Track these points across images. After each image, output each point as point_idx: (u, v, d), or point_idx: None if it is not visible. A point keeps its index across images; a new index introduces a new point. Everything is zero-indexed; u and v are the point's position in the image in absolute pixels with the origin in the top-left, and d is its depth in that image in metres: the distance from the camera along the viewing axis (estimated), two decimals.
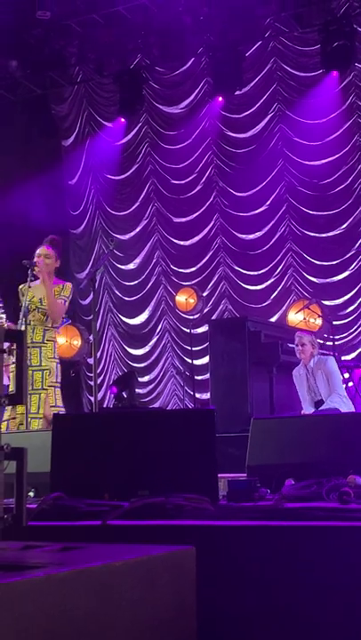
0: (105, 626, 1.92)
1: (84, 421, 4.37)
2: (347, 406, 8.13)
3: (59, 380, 6.91)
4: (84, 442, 3.79)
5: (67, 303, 7.06)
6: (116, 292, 14.03)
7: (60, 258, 7.19)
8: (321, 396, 8.28)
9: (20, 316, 6.87)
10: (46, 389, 6.80)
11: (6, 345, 2.70)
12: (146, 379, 13.52)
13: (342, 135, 12.14)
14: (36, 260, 6.98)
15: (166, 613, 2.12)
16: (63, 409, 6.83)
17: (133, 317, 13.95)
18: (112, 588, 1.96)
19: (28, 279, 6.87)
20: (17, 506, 2.69)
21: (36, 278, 7.04)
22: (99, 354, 13.36)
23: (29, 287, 6.91)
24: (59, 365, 6.93)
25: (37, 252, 7.05)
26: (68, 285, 7.11)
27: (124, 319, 14.01)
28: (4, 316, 6.86)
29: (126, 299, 14.00)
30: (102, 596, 1.93)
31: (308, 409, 8.34)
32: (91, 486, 3.56)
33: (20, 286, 7.02)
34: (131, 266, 13.94)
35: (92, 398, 6.93)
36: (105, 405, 12.82)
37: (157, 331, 13.74)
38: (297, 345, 8.43)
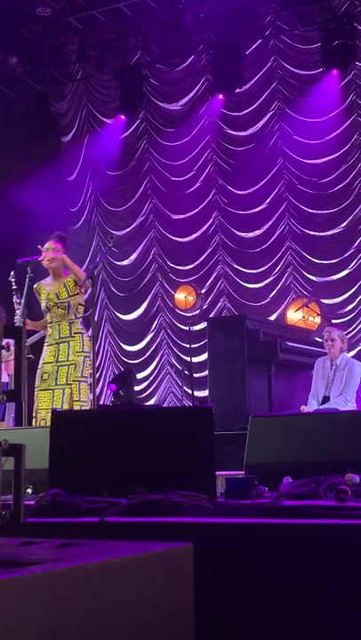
0: (102, 622, 1.92)
1: (83, 418, 4.37)
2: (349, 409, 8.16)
3: (84, 374, 6.93)
4: (83, 439, 3.79)
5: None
6: (112, 288, 14.03)
7: (67, 253, 7.23)
8: (330, 394, 8.33)
9: (20, 314, 6.91)
10: (70, 384, 6.84)
11: (6, 341, 2.70)
12: (141, 375, 13.52)
13: (342, 134, 12.14)
14: (43, 254, 7.05)
15: (164, 610, 2.12)
16: (87, 403, 6.86)
17: (129, 314, 13.96)
18: (110, 584, 1.96)
19: (27, 277, 6.91)
20: (15, 502, 2.69)
21: (43, 276, 7.14)
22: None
23: (44, 285, 7.03)
24: (87, 359, 6.94)
25: (45, 246, 7.11)
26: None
27: (119, 315, 14.01)
28: (19, 312, 6.92)
29: (122, 295, 14.01)
30: (100, 592, 1.93)
31: (311, 401, 8.37)
32: (89, 483, 3.56)
33: (35, 285, 7.09)
34: (127, 262, 13.94)
35: (90, 395, 6.94)
36: (102, 402, 12.83)
37: (153, 327, 13.74)
38: (326, 340, 8.48)
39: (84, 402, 6.89)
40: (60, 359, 6.88)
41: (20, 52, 12.71)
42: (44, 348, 7.03)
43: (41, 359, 7.00)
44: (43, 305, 7.05)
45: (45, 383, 6.87)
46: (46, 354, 6.97)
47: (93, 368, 6.80)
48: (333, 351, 8.43)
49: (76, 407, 6.78)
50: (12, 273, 7.30)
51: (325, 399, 8.33)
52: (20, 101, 13.70)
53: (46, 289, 7.07)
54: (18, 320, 6.91)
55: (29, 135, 13.61)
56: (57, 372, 6.86)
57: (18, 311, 6.95)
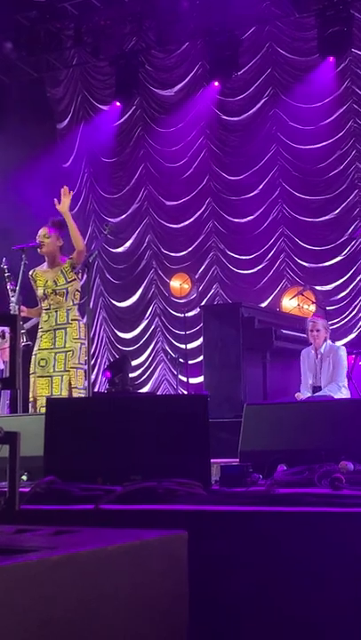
0: (97, 609, 1.93)
1: (78, 406, 4.38)
2: (343, 396, 8.17)
3: (81, 361, 6.93)
4: (78, 426, 3.79)
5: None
6: (107, 275, 14.02)
7: (64, 238, 7.22)
8: (321, 383, 8.33)
9: (15, 302, 6.90)
10: (68, 371, 6.84)
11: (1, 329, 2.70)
12: (136, 362, 13.53)
13: (337, 120, 12.14)
14: (38, 241, 7.06)
15: (158, 598, 2.13)
16: (84, 391, 6.86)
17: (124, 301, 13.95)
18: (104, 572, 1.97)
19: (22, 263, 6.90)
20: (10, 489, 2.70)
21: (39, 262, 7.13)
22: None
23: (40, 272, 7.03)
24: (83, 346, 6.94)
25: (39, 232, 7.12)
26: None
27: (114, 302, 14.01)
28: (14, 299, 6.92)
29: (117, 282, 14.00)
30: (94, 579, 1.94)
31: (304, 392, 8.38)
32: (84, 470, 3.57)
33: (31, 272, 7.08)
34: (121, 249, 13.92)
35: (86, 382, 6.94)
36: (97, 390, 12.84)
37: (147, 314, 13.75)
38: (311, 330, 8.47)
39: (81, 389, 6.89)
40: (57, 345, 6.88)
41: (15, 38, 12.66)
42: (39, 334, 7.02)
43: (36, 346, 7.00)
44: (40, 292, 7.04)
45: (43, 370, 6.87)
46: (42, 340, 6.96)
47: (88, 355, 6.80)
48: (318, 341, 8.44)
49: (75, 394, 6.78)
50: (3, 259, 7.28)
51: (316, 389, 8.33)
52: (15, 87, 13.65)
53: (43, 276, 7.06)
54: (13, 307, 6.90)
55: (24, 121, 13.55)
56: (54, 358, 6.86)
57: (12, 298, 6.94)
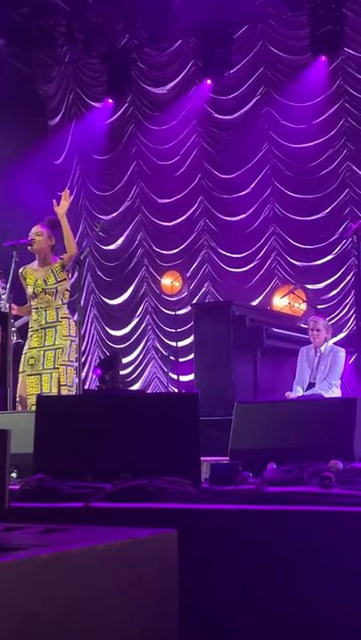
0: (86, 607, 1.93)
1: (68, 403, 4.37)
2: (334, 395, 8.20)
3: (71, 358, 6.93)
4: (68, 424, 3.79)
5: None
6: (99, 272, 14.01)
7: (57, 238, 7.21)
8: (315, 381, 8.38)
9: (5, 299, 6.89)
10: (58, 368, 6.84)
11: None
12: (126, 360, 13.52)
13: (329, 119, 12.15)
14: (29, 238, 7.06)
15: (148, 596, 2.13)
16: (74, 388, 6.86)
17: (115, 298, 13.94)
18: (94, 570, 1.97)
19: (13, 260, 6.89)
20: None
21: (29, 260, 7.12)
22: None
23: (30, 270, 7.01)
24: (73, 344, 6.94)
25: (32, 230, 7.12)
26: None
27: (105, 300, 14.00)
28: (4, 297, 6.90)
29: (108, 279, 13.99)
30: (84, 578, 1.93)
31: (296, 389, 8.41)
32: (74, 468, 3.56)
33: (21, 270, 7.06)
34: (113, 246, 13.91)
35: (76, 379, 6.94)
36: (88, 387, 12.83)
37: (138, 312, 13.74)
38: (312, 330, 8.55)
39: (70, 386, 6.89)
40: (46, 343, 6.88)
41: (7, 34, 12.62)
42: (30, 333, 7.01)
43: (26, 345, 6.99)
44: (29, 290, 7.03)
45: (33, 368, 6.87)
46: (32, 339, 6.95)
47: (79, 353, 6.80)
48: (318, 340, 8.51)
49: (64, 391, 6.78)
50: None
51: (310, 386, 8.38)
52: (7, 84, 13.60)
53: (33, 274, 7.05)
54: (3, 305, 6.89)
55: (16, 118, 13.52)
56: (43, 356, 6.85)
57: (3, 296, 6.92)
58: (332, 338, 10.33)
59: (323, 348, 8.47)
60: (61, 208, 6.99)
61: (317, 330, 8.52)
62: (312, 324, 8.62)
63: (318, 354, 8.47)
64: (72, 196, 7.38)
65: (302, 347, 8.71)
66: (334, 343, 10.21)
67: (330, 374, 8.38)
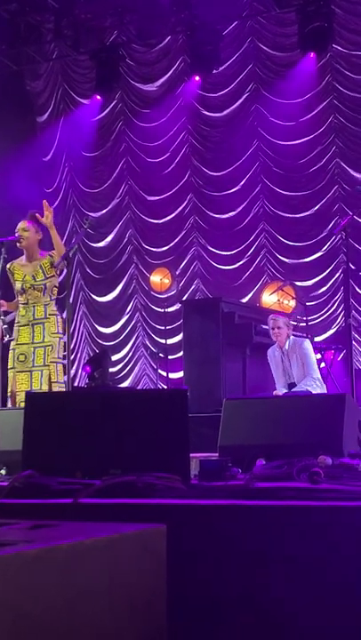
0: (75, 603, 1.92)
1: (57, 400, 4.37)
2: (320, 389, 8.13)
3: (60, 355, 6.92)
4: (57, 420, 3.78)
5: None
6: (88, 269, 14.00)
7: (44, 232, 7.19)
8: (294, 379, 8.23)
9: None
10: (48, 366, 6.83)
11: None
12: (116, 357, 13.52)
13: (318, 116, 12.16)
14: (17, 234, 7.03)
15: (136, 591, 2.13)
16: (64, 385, 6.85)
17: (104, 295, 13.94)
18: (83, 565, 1.97)
19: (1, 257, 6.87)
20: None
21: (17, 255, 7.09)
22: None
23: (18, 265, 6.98)
24: (62, 341, 6.93)
25: (18, 226, 7.09)
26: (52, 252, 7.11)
27: (94, 297, 13.98)
28: None
29: (97, 277, 13.97)
30: (73, 573, 1.93)
31: (280, 390, 8.33)
32: (63, 465, 3.56)
33: (8, 265, 7.04)
34: (102, 244, 13.90)
35: (65, 376, 6.93)
36: (77, 384, 12.82)
37: (128, 309, 13.74)
38: (272, 328, 8.30)
39: (61, 383, 6.88)
40: (35, 340, 6.87)
41: None
42: (16, 328, 7.00)
43: (14, 340, 6.97)
44: (18, 286, 7.00)
45: (23, 365, 6.86)
46: (20, 335, 6.94)
47: (68, 350, 6.79)
48: (281, 339, 8.26)
49: (55, 388, 6.77)
50: None
51: (292, 385, 8.23)
52: None
53: (21, 270, 7.03)
54: None
55: (4, 115, 13.48)
56: (33, 353, 6.84)
57: None
58: (322, 333, 10.33)
59: (287, 345, 8.27)
60: (46, 218, 6.97)
61: (278, 327, 8.26)
62: (272, 322, 8.34)
63: (285, 352, 8.26)
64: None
65: (269, 349, 8.50)
66: (325, 339, 10.22)
67: (307, 369, 8.18)
